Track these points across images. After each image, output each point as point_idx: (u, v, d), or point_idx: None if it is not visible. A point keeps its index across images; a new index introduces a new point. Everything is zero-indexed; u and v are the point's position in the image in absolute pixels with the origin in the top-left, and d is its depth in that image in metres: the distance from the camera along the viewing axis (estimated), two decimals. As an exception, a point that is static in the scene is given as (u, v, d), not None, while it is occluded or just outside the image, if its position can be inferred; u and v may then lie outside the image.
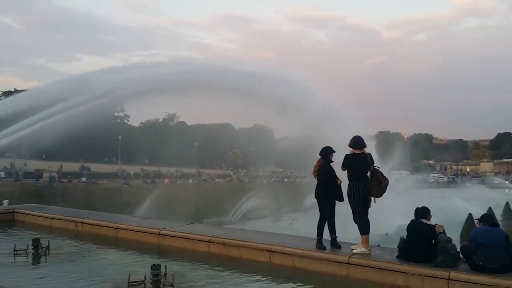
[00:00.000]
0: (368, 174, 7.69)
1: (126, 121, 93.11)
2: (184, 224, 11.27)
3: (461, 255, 6.67)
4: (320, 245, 7.95)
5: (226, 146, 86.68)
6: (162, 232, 10.12)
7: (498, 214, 38.78)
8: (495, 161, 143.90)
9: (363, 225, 7.64)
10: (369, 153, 7.88)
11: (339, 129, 34.84)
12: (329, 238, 8.10)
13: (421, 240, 6.88)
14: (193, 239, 9.55)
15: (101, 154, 74.00)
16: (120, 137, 66.21)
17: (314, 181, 8.35)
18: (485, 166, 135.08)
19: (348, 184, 7.70)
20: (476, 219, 7.17)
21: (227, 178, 76.39)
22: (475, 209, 39.09)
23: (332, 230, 8.14)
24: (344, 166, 7.72)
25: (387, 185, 7.68)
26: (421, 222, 7.03)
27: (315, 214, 8.49)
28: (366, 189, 7.57)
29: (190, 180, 66.14)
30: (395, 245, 8.50)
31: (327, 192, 8.06)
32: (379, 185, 7.53)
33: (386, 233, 26.16)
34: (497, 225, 6.57)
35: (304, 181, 68.88)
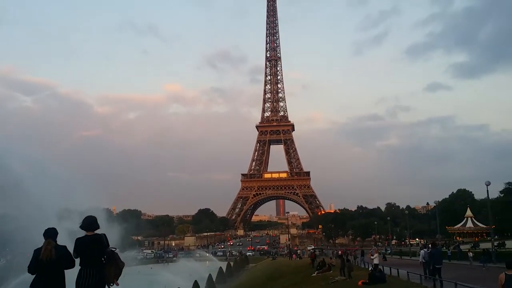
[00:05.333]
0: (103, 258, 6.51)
1: None
2: None
3: None
4: None
5: None
6: None
7: (202, 286, 40.58)
8: (197, 235, 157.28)
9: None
10: (104, 234, 6.75)
11: (37, 206, 30.77)
12: None
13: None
14: None
15: None
16: None
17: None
18: (189, 240, 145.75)
19: (80, 271, 6.35)
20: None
21: None
22: (183, 282, 40.24)
23: None
24: (76, 252, 6.33)
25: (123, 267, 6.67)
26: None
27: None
28: (103, 274, 6.34)
29: None
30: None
31: None
32: (117, 268, 6.45)
33: None
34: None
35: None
